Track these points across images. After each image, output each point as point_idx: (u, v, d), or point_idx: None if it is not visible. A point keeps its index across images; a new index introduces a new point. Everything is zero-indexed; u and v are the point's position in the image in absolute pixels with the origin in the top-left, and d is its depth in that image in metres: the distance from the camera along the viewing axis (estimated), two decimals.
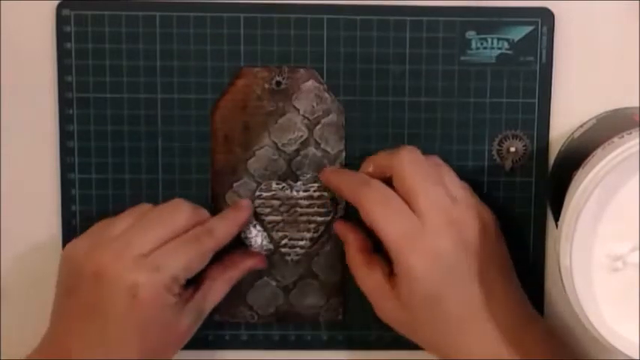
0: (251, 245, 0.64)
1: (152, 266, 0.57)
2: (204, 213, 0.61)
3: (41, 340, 0.59)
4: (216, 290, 0.61)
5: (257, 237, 0.64)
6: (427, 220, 0.57)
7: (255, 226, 0.64)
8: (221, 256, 0.62)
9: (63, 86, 0.63)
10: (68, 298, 0.58)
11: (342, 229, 0.63)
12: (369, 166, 0.61)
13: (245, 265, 0.63)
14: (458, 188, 0.59)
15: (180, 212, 0.60)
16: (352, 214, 0.63)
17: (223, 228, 0.61)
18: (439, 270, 0.56)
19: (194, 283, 0.60)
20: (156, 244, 0.58)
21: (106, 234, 0.59)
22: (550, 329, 0.61)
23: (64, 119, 0.63)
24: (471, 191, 0.60)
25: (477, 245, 0.58)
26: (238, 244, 0.63)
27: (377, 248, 0.60)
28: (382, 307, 0.60)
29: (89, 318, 0.57)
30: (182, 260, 0.58)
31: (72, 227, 0.63)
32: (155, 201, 0.63)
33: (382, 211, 0.57)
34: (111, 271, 0.56)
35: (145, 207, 0.61)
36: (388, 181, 0.59)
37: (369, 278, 0.60)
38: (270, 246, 0.64)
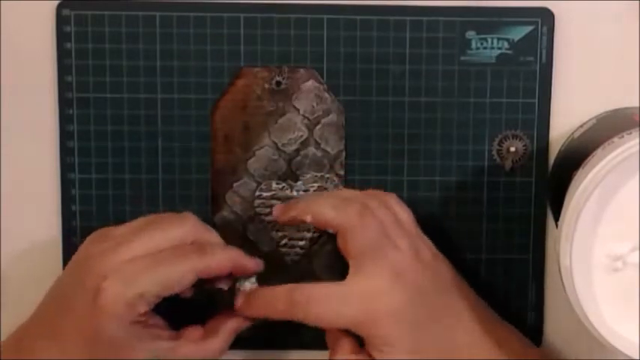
0: (260, 243, 0.64)
1: (123, 277, 0.55)
2: (211, 234, 0.59)
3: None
4: (186, 354, 0.58)
5: (264, 235, 0.64)
6: (378, 283, 0.56)
7: (252, 283, 0.62)
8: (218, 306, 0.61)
9: (63, 86, 0.63)
10: (54, 287, 0.59)
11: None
12: (307, 216, 0.60)
13: (226, 329, 0.59)
14: (401, 236, 0.58)
15: (181, 223, 0.58)
16: None
17: (220, 254, 0.58)
18: (404, 328, 0.56)
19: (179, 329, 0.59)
20: (142, 252, 0.56)
21: (110, 233, 0.58)
22: (526, 342, 0.61)
23: (64, 119, 0.63)
24: (410, 228, 0.59)
25: (429, 291, 0.57)
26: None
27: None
28: None
29: (55, 310, 0.57)
30: (157, 277, 0.55)
31: (72, 227, 0.63)
32: (155, 201, 0.63)
33: (324, 309, 0.56)
34: (89, 269, 0.55)
35: (156, 216, 0.59)
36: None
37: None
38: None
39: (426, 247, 0.59)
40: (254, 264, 0.59)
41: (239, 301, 0.60)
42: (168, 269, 0.55)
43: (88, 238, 0.59)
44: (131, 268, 0.55)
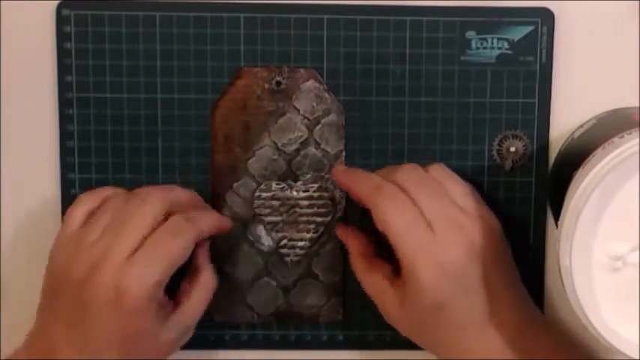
0: (260, 243, 0.64)
1: (134, 274, 0.56)
2: (176, 193, 0.60)
3: (28, 337, 0.59)
4: (194, 305, 0.60)
5: (264, 235, 0.64)
6: (438, 230, 0.57)
7: (263, 226, 0.64)
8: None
9: (63, 86, 0.63)
10: (55, 301, 0.58)
11: (342, 233, 0.63)
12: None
13: (201, 259, 0.61)
14: (464, 198, 0.59)
15: (149, 207, 0.58)
16: (352, 214, 0.63)
17: (206, 217, 0.60)
18: (447, 281, 0.56)
19: (174, 295, 0.60)
20: (134, 246, 0.56)
21: (86, 239, 0.57)
22: (552, 327, 0.61)
23: (64, 119, 0.63)
24: (477, 197, 0.60)
25: (485, 253, 0.58)
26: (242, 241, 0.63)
27: (379, 244, 0.61)
28: (386, 310, 0.60)
29: (73, 324, 0.56)
30: (163, 261, 0.56)
31: None
32: None
33: (396, 218, 0.57)
34: (94, 280, 0.56)
35: (115, 202, 0.59)
36: None
37: (371, 283, 0.60)
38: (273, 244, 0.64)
39: (493, 219, 0.59)
40: (228, 222, 0.62)
41: (339, 169, 0.62)
42: (170, 249, 0.57)
43: (58, 252, 0.59)
44: (138, 263, 0.56)
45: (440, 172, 0.60)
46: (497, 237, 0.59)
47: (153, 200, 0.58)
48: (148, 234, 0.57)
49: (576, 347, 0.61)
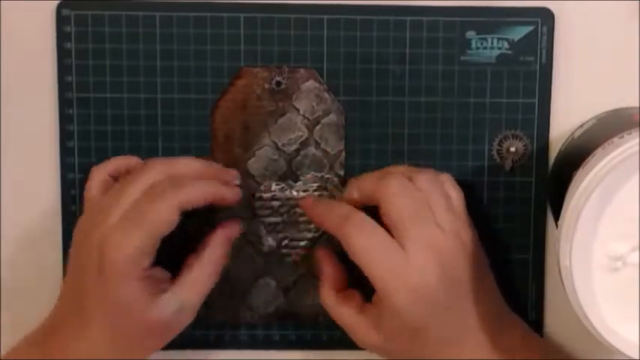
0: (260, 243, 0.64)
1: (116, 238, 0.55)
2: (183, 162, 0.59)
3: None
4: (196, 279, 0.58)
5: (264, 235, 0.64)
6: (412, 255, 0.56)
7: (263, 226, 0.64)
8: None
9: (63, 86, 0.63)
10: (66, 266, 0.59)
11: (320, 258, 0.62)
12: (354, 191, 0.60)
13: (218, 239, 0.60)
14: (444, 212, 0.58)
15: (146, 175, 0.58)
16: None
17: (196, 183, 0.58)
18: (422, 305, 0.56)
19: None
20: (123, 210, 0.56)
21: (97, 204, 0.59)
22: (529, 331, 0.62)
23: (64, 119, 0.63)
24: (459, 209, 0.59)
25: (459, 271, 0.57)
26: (244, 243, 0.63)
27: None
28: (360, 339, 0.59)
29: (73, 289, 0.58)
30: (144, 224, 0.55)
31: (72, 227, 0.63)
32: None
33: (366, 246, 0.57)
34: (85, 244, 0.56)
35: (125, 172, 0.60)
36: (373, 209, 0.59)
37: (342, 315, 0.60)
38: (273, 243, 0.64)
39: (468, 231, 0.59)
40: (232, 193, 0.60)
41: (306, 201, 0.62)
42: (151, 212, 0.55)
43: (80, 219, 0.60)
44: (120, 228, 0.56)
45: (426, 182, 0.59)
46: (472, 251, 0.59)
47: (150, 169, 0.58)
48: (135, 199, 0.56)
49: (548, 342, 0.62)
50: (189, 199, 0.57)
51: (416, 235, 0.57)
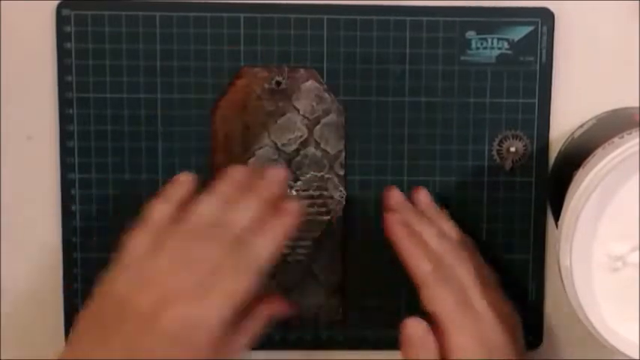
0: None
1: (204, 309, 0.53)
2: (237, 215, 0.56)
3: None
4: (240, 343, 0.57)
5: None
6: (484, 315, 0.58)
7: None
8: None
9: (63, 86, 0.63)
10: (108, 325, 0.54)
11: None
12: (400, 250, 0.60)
13: (266, 315, 0.59)
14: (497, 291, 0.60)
15: (216, 245, 0.55)
16: (351, 214, 0.63)
17: (265, 243, 0.56)
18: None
19: None
20: (204, 281, 0.53)
21: (154, 268, 0.54)
22: None
23: (64, 119, 0.63)
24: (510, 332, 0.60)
25: (511, 348, 0.58)
26: None
27: None
28: None
29: (129, 354, 0.53)
30: (228, 303, 0.53)
31: (72, 227, 0.63)
32: None
33: (447, 303, 0.58)
34: (164, 314, 0.52)
35: (186, 232, 0.56)
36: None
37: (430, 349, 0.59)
38: None
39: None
40: (295, 218, 0.58)
41: (395, 213, 0.60)
42: (235, 288, 0.54)
43: (120, 275, 0.55)
44: (206, 300, 0.53)
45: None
46: (519, 332, 0.60)
47: (222, 233, 0.55)
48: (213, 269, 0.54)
49: None
50: (268, 258, 0.56)
51: (489, 303, 0.58)
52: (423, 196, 0.63)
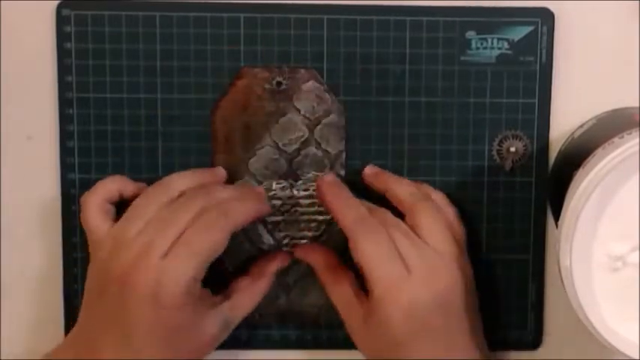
0: (261, 242, 0.64)
1: (169, 270, 0.56)
2: (218, 190, 0.60)
3: (70, 336, 0.59)
4: (244, 303, 0.60)
5: (265, 235, 0.64)
6: (414, 271, 0.57)
7: (264, 225, 0.64)
8: (246, 266, 0.62)
9: (63, 86, 0.63)
10: (98, 299, 0.58)
11: (302, 253, 0.63)
12: (384, 188, 0.62)
13: (270, 270, 0.62)
14: (445, 243, 0.59)
15: (191, 205, 0.58)
16: None
17: (243, 208, 0.59)
18: (412, 322, 0.57)
19: (221, 292, 0.60)
20: (169, 242, 0.56)
21: (127, 234, 0.57)
22: None
23: (64, 119, 0.63)
24: (459, 243, 0.60)
25: (453, 302, 0.58)
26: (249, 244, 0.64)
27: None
28: (350, 322, 0.60)
29: (116, 323, 0.56)
30: (198, 256, 0.56)
31: (72, 227, 0.63)
32: None
33: (374, 252, 0.58)
34: (133, 277, 0.55)
35: (153, 197, 0.59)
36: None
37: (338, 293, 0.61)
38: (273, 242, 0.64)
39: (469, 267, 0.60)
40: (267, 208, 0.62)
41: (325, 180, 0.62)
42: (206, 242, 0.57)
43: (102, 248, 0.58)
44: (173, 260, 0.56)
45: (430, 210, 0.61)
46: (468, 286, 0.59)
47: (195, 199, 0.58)
48: (182, 227, 0.57)
49: None
50: (238, 224, 0.58)
51: (420, 258, 0.58)
52: (368, 169, 0.63)
